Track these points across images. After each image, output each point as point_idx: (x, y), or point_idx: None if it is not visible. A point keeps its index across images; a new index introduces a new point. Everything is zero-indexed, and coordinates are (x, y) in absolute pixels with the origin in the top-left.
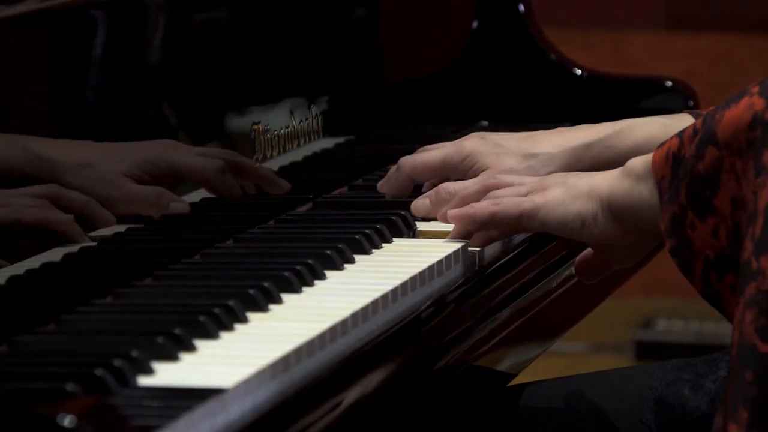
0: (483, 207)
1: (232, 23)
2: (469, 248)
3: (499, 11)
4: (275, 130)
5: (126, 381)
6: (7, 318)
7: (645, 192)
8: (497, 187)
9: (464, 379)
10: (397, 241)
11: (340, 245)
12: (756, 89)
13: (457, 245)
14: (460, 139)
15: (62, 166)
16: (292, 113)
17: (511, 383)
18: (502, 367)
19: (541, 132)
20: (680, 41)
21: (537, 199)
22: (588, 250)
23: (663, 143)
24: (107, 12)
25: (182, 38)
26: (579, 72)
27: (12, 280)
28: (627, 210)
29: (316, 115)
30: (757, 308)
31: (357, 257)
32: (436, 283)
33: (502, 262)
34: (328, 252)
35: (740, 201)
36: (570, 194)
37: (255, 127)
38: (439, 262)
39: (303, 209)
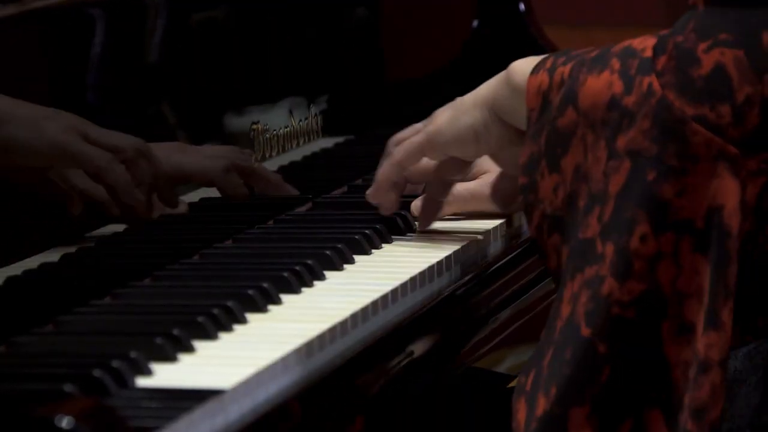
0: (386, 168)
1: (231, 22)
2: (469, 248)
3: (500, 10)
4: (274, 130)
5: (124, 382)
6: (5, 319)
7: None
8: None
9: (464, 380)
10: (397, 242)
11: (339, 245)
12: (617, 65)
13: (457, 245)
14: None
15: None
16: (291, 113)
17: (512, 384)
18: (503, 368)
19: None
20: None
21: (429, 129)
22: (496, 177)
23: (538, 68)
24: (106, 11)
25: (181, 38)
26: None
27: (10, 280)
28: (512, 114)
29: (316, 114)
30: (591, 292)
31: (356, 257)
32: (436, 283)
33: (502, 262)
34: (328, 252)
35: (583, 172)
36: (458, 110)
37: (254, 126)
38: (439, 263)
39: (302, 209)
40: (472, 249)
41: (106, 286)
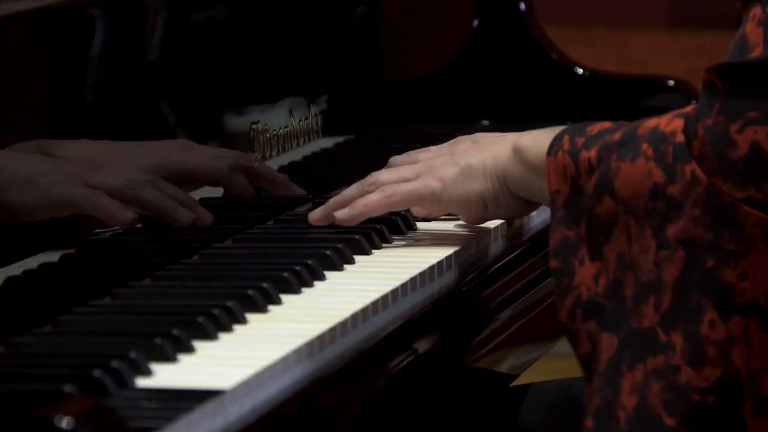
0: (377, 202)
1: (231, 22)
2: (470, 248)
3: (500, 10)
4: (274, 130)
5: (124, 382)
6: (5, 319)
7: (543, 185)
8: (379, 176)
9: (465, 380)
10: (397, 242)
11: (339, 246)
12: (650, 150)
13: (458, 246)
14: (451, 142)
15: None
16: (291, 113)
17: (513, 384)
18: (504, 368)
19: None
20: (683, 39)
21: (432, 183)
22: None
23: (554, 148)
24: (106, 11)
25: (181, 37)
26: (580, 71)
27: (9, 280)
28: (525, 191)
29: (316, 114)
30: (665, 382)
31: (357, 258)
32: (436, 283)
33: (503, 262)
34: (328, 252)
35: (628, 260)
36: (466, 174)
37: (254, 126)
38: (440, 263)
39: (302, 209)
40: (473, 249)
41: (105, 287)
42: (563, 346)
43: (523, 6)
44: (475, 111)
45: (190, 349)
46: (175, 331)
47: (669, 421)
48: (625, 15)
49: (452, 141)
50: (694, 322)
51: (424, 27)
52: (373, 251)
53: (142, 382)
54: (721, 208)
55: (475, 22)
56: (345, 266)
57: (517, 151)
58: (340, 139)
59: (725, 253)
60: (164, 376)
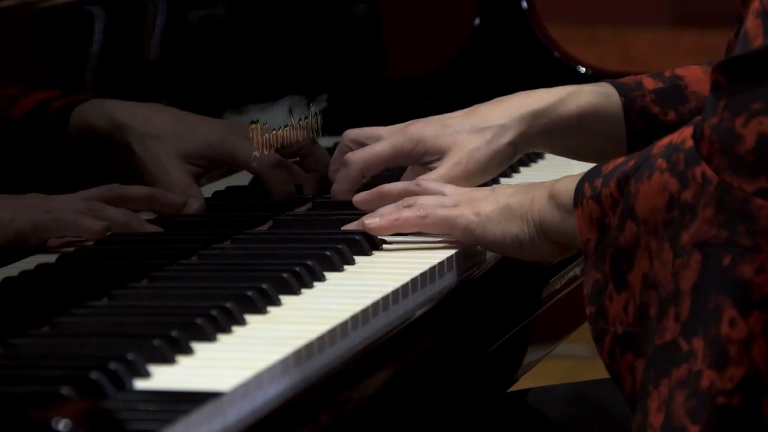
0: (410, 219)
1: (229, 20)
2: (470, 249)
3: (502, 7)
4: (274, 129)
5: (122, 384)
6: (2, 320)
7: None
8: (418, 193)
9: (463, 385)
10: (398, 243)
11: (339, 246)
12: (664, 164)
13: (458, 246)
14: (402, 125)
15: (132, 132)
16: (290, 112)
17: (511, 389)
18: (505, 370)
19: (480, 105)
20: (687, 38)
21: (469, 215)
22: None
23: (579, 199)
24: (104, 8)
25: (179, 35)
26: (583, 70)
27: (6, 281)
28: (561, 236)
29: (316, 113)
30: (688, 390)
31: (357, 258)
32: (437, 285)
33: (504, 263)
34: (328, 253)
35: (651, 280)
36: (504, 214)
37: (253, 125)
38: (441, 263)
39: (302, 209)
40: (473, 249)
41: (103, 288)
42: (566, 347)
43: (525, 4)
44: None
45: (188, 351)
46: (174, 333)
47: (693, 429)
48: (629, 13)
49: (404, 124)
50: (713, 323)
51: (425, 25)
52: (374, 252)
53: (140, 384)
54: (733, 205)
55: (477, 20)
56: (345, 267)
57: (553, 197)
58: (340, 139)
59: (740, 249)
60: (162, 378)
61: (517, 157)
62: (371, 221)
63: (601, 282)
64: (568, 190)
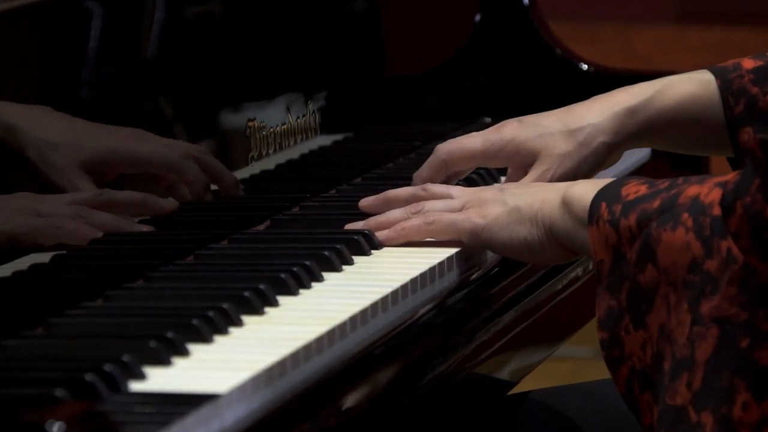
0: (416, 227)
1: (227, 17)
2: (471, 249)
3: (503, 4)
4: (271, 127)
5: (117, 386)
6: None
7: (588, 238)
8: (425, 198)
9: (462, 388)
10: None
11: (338, 246)
12: (690, 221)
13: (458, 247)
14: (497, 125)
15: (28, 138)
16: (288, 110)
17: (512, 392)
18: (506, 372)
19: (576, 104)
20: (690, 35)
21: (475, 219)
22: None
23: (594, 217)
24: (102, 6)
25: (177, 32)
26: (585, 67)
27: None
28: (572, 243)
29: (314, 111)
30: None
31: (356, 258)
32: (437, 285)
33: (505, 263)
34: (326, 253)
35: (667, 332)
36: (513, 217)
37: (250, 123)
38: (441, 264)
39: (300, 209)
40: (474, 250)
41: (98, 288)
42: (568, 349)
43: (526, 1)
44: (477, 107)
45: (184, 352)
46: (170, 334)
47: None
48: (631, 10)
49: (499, 124)
50: (726, 403)
51: (425, 21)
52: (373, 252)
53: (135, 386)
54: (757, 288)
55: (477, 17)
56: (344, 267)
57: (566, 204)
58: (338, 137)
59: (760, 334)
60: (158, 379)
61: (617, 157)
62: (381, 233)
63: (616, 311)
64: (582, 200)
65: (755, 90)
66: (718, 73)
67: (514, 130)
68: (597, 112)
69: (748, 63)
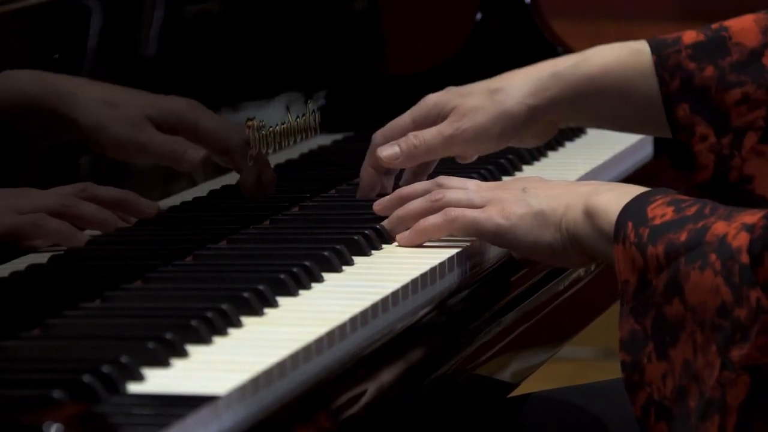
0: (437, 225)
1: (227, 16)
2: (471, 250)
3: (504, 2)
4: (271, 126)
5: (115, 388)
6: None
7: (611, 251)
8: (446, 194)
9: (463, 389)
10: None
11: (338, 246)
12: (718, 264)
13: (459, 247)
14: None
15: (84, 101)
16: (288, 109)
17: (513, 394)
18: (507, 373)
19: (506, 72)
20: None
21: (498, 219)
22: None
23: (620, 235)
24: (101, 4)
25: (176, 31)
26: None
27: None
28: (595, 253)
29: (314, 110)
30: None
31: (356, 259)
32: (438, 285)
33: (505, 264)
34: (326, 253)
35: (693, 371)
36: (537, 221)
37: (249, 123)
38: (441, 264)
39: (299, 209)
40: (474, 251)
41: (96, 289)
42: (570, 350)
43: None
44: None
45: (183, 354)
46: (168, 335)
47: None
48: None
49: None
50: None
51: (426, 20)
52: (373, 252)
53: (133, 388)
54: None
55: (479, 15)
56: (344, 268)
57: (590, 215)
58: (338, 137)
59: None
60: (156, 381)
61: (550, 130)
62: (402, 237)
63: (641, 336)
64: (607, 213)
65: (692, 66)
66: (655, 46)
67: (436, 96)
68: (521, 75)
69: (689, 37)
